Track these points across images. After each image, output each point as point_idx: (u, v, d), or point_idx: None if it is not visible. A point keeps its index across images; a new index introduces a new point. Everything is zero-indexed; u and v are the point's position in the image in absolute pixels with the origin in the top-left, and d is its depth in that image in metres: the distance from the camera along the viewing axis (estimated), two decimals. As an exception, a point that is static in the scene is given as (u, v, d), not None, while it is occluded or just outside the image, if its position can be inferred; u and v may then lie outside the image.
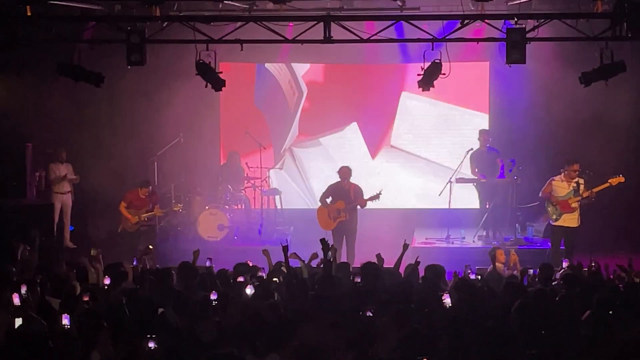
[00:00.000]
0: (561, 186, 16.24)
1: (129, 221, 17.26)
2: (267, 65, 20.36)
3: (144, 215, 17.24)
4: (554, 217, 16.30)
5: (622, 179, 15.97)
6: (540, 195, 16.58)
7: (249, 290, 11.19)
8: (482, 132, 18.54)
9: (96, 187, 19.15)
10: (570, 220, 16.23)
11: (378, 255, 12.87)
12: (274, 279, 12.08)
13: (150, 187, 17.55)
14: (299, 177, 20.58)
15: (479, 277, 12.56)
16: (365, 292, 11.11)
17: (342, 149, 20.28)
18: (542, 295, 10.62)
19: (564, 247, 16.31)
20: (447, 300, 10.61)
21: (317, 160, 20.42)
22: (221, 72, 14.78)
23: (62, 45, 15.13)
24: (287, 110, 20.54)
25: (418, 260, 12.69)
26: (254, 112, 20.42)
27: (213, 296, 10.72)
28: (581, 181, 16.16)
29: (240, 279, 12.16)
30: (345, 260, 16.07)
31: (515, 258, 14.19)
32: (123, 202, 17.36)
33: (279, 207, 19.82)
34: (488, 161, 18.32)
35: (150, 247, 14.57)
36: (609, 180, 16.00)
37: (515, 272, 13.49)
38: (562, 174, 16.24)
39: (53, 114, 18.64)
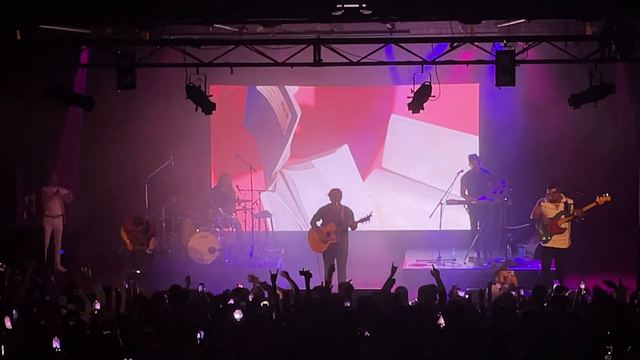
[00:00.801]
0: (549, 207, 16.38)
1: (127, 246, 17.45)
2: (259, 87, 20.36)
3: (138, 247, 17.37)
4: (544, 238, 16.41)
5: (608, 198, 16.13)
6: (531, 217, 16.69)
7: (237, 315, 11.17)
8: (471, 158, 18.57)
9: (87, 210, 19.17)
10: (561, 241, 16.33)
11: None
12: (263, 303, 12.07)
13: (146, 222, 17.62)
14: (291, 199, 20.55)
15: (467, 296, 12.61)
16: (356, 316, 11.11)
17: (334, 171, 20.25)
18: (531, 316, 10.68)
19: (554, 269, 16.40)
20: (441, 321, 10.64)
21: (309, 182, 20.37)
22: (211, 96, 14.80)
23: (52, 69, 15.08)
24: (279, 132, 20.52)
25: (393, 278, 12.68)
26: (244, 135, 20.40)
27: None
28: (570, 201, 16.28)
29: (230, 301, 12.19)
30: (337, 282, 16.11)
31: (514, 279, 14.23)
32: (123, 227, 17.50)
33: (270, 229, 19.80)
34: (479, 183, 18.36)
35: (138, 271, 14.50)
36: (596, 200, 16.14)
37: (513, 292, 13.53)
38: (547, 196, 16.39)
39: (43, 138, 18.61)
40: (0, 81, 16.72)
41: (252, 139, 20.42)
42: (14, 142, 18.14)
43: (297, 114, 20.41)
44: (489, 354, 9.34)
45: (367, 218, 16.93)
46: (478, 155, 18.85)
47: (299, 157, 20.46)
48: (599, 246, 18.13)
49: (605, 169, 18.44)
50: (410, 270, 17.44)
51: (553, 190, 16.38)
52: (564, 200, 16.35)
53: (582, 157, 18.67)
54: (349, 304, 11.89)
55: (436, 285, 12.24)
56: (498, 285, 13.86)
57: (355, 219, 16.99)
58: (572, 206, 16.24)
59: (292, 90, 20.37)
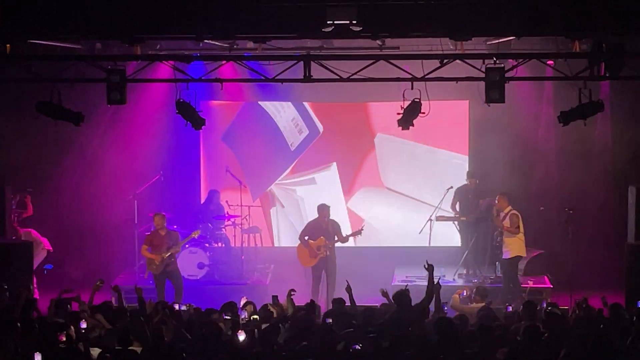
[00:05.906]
0: (497, 218, 17.25)
1: (153, 262, 16.87)
2: (261, 103, 20.25)
3: (166, 254, 16.97)
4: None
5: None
6: None
7: (242, 337, 10.78)
8: (470, 179, 18.59)
9: (76, 224, 19.13)
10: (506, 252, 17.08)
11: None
12: (253, 317, 12.08)
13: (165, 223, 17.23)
14: (294, 214, 20.45)
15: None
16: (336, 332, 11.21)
17: (322, 188, 20.20)
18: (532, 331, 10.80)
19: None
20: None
21: (302, 197, 20.33)
22: (201, 111, 14.79)
23: (41, 84, 15.02)
24: (281, 148, 20.43)
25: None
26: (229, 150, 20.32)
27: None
28: (514, 212, 16.99)
29: (215, 315, 12.18)
30: (325, 297, 16.21)
31: None
32: (144, 245, 17.04)
33: (259, 245, 19.76)
34: (472, 200, 18.41)
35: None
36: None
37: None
38: None
39: (32, 153, 18.58)
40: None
41: (231, 153, 20.30)
42: (2, 157, 18.13)
43: (319, 130, 20.37)
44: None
45: (359, 232, 17.05)
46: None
47: (294, 172, 20.40)
48: (588, 262, 18.13)
49: (596, 186, 18.51)
50: (400, 286, 17.36)
51: (496, 198, 17.22)
52: (507, 210, 17.00)
53: (573, 174, 18.70)
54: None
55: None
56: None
57: (346, 233, 17.05)
58: (507, 218, 16.92)
59: (312, 106, 20.34)
